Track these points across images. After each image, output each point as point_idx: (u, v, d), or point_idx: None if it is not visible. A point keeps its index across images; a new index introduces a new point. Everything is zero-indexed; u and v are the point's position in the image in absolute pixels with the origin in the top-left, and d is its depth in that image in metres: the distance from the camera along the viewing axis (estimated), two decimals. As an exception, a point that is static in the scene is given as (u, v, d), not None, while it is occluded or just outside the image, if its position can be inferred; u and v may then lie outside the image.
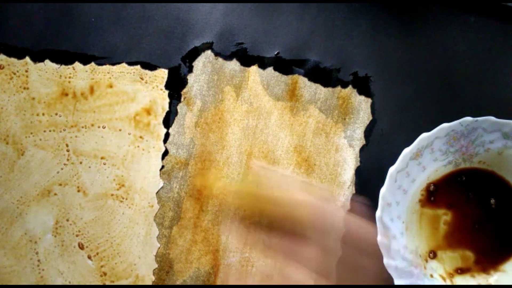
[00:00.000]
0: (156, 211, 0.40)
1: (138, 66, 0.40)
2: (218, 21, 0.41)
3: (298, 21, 0.41)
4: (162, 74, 0.41)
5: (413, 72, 0.41)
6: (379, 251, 0.37)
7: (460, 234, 0.40)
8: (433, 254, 0.39)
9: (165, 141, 0.40)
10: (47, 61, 0.40)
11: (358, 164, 0.40)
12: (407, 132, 0.38)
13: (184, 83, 0.41)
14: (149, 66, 0.41)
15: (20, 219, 0.39)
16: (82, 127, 0.40)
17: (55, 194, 0.40)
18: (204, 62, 0.41)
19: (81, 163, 0.40)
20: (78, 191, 0.40)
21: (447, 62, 0.41)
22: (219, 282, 0.40)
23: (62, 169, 0.40)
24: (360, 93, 0.41)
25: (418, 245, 0.39)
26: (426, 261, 0.39)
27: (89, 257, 0.40)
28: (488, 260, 0.39)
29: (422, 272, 0.38)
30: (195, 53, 0.41)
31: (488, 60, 0.41)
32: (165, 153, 0.40)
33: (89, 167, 0.40)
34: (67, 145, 0.40)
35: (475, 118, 0.37)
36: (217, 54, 0.41)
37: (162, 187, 0.40)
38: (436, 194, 0.39)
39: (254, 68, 0.41)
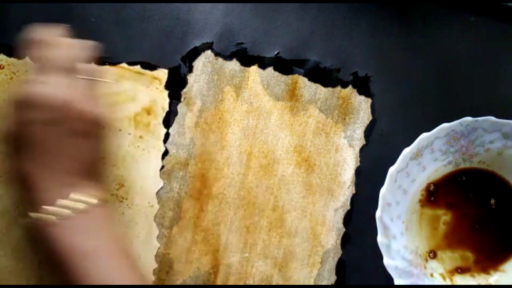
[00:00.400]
0: (156, 211, 0.40)
1: (138, 66, 0.40)
2: (218, 21, 0.41)
3: (298, 21, 0.41)
4: (162, 74, 0.41)
5: (413, 72, 0.41)
6: (379, 251, 0.37)
7: (460, 234, 0.40)
8: (433, 254, 0.39)
9: (165, 141, 0.40)
10: (47, 61, 0.40)
11: (358, 164, 0.40)
12: (407, 132, 0.38)
13: (184, 83, 0.41)
14: (149, 66, 0.41)
15: (20, 219, 0.39)
16: (82, 127, 0.40)
17: (55, 194, 0.40)
18: (204, 62, 0.41)
19: (81, 163, 0.40)
20: (78, 191, 0.40)
21: (447, 62, 0.41)
22: (219, 282, 0.40)
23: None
24: (360, 93, 0.41)
25: (418, 245, 0.39)
26: (426, 261, 0.39)
27: (89, 257, 0.40)
28: (488, 260, 0.39)
29: (422, 272, 0.38)
30: (195, 53, 0.41)
31: (488, 60, 0.41)
32: (165, 153, 0.40)
33: (89, 167, 0.40)
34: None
35: (475, 118, 0.37)
36: (217, 54, 0.41)
37: (162, 187, 0.40)
38: (436, 194, 0.39)
39: (254, 68, 0.41)
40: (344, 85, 0.41)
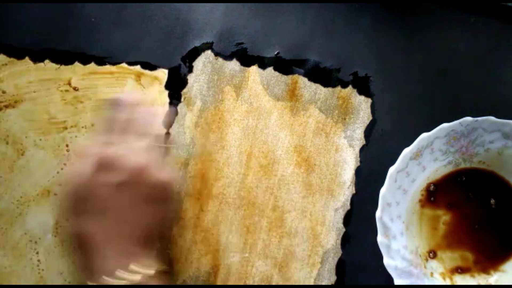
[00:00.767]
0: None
1: (138, 66, 0.40)
2: (218, 21, 0.41)
3: (298, 21, 0.41)
4: (162, 74, 0.41)
5: (413, 72, 0.41)
6: (379, 251, 0.37)
7: (460, 234, 0.40)
8: (433, 254, 0.39)
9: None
10: (47, 61, 0.40)
11: (358, 164, 0.40)
12: (407, 132, 0.38)
13: (184, 83, 0.41)
14: (149, 66, 0.41)
15: (20, 219, 0.39)
16: (82, 127, 0.40)
17: (55, 194, 0.40)
18: (204, 62, 0.41)
19: (81, 163, 0.40)
20: (78, 191, 0.40)
21: (447, 62, 0.41)
22: (219, 282, 0.40)
23: (62, 169, 0.40)
24: (360, 93, 0.41)
25: (418, 245, 0.39)
26: (426, 260, 0.39)
27: (89, 257, 0.40)
28: (488, 260, 0.39)
29: (422, 272, 0.38)
30: (195, 53, 0.41)
31: (488, 60, 0.41)
32: (165, 153, 0.40)
33: (89, 167, 0.40)
34: (67, 145, 0.40)
35: (475, 118, 0.37)
36: (217, 54, 0.41)
37: (162, 187, 0.40)
38: (436, 194, 0.39)
39: (254, 68, 0.41)
40: (344, 85, 0.41)
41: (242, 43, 0.41)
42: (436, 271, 0.39)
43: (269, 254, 0.40)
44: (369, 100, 0.41)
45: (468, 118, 0.37)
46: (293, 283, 0.40)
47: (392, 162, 0.37)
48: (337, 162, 0.40)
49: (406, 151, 0.37)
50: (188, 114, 0.41)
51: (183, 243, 0.40)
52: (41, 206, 0.40)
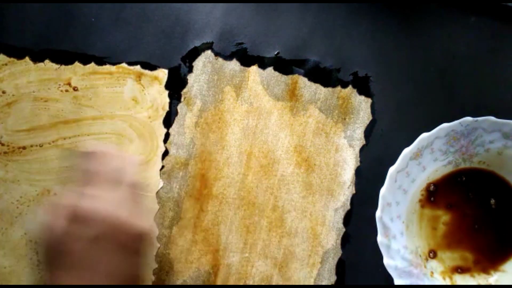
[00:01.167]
0: (156, 211, 0.40)
1: (138, 66, 0.40)
2: (218, 21, 0.41)
3: (298, 21, 0.41)
4: (162, 74, 0.41)
5: (413, 72, 0.41)
6: (379, 251, 0.37)
7: (460, 234, 0.40)
8: (433, 254, 0.39)
9: (165, 141, 0.40)
10: (47, 61, 0.40)
11: (358, 164, 0.40)
12: (407, 132, 0.38)
13: (184, 83, 0.41)
14: (149, 66, 0.41)
15: (20, 219, 0.39)
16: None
17: (55, 194, 0.40)
18: (204, 62, 0.41)
19: (81, 163, 0.40)
20: (78, 191, 0.40)
21: (447, 62, 0.41)
22: (219, 282, 0.40)
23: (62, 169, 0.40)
24: (360, 93, 0.41)
25: (418, 245, 0.39)
26: (426, 260, 0.39)
27: (89, 257, 0.40)
28: (488, 260, 0.39)
29: (422, 272, 0.38)
30: (195, 53, 0.41)
31: (488, 60, 0.41)
32: (165, 153, 0.40)
33: (89, 167, 0.40)
34: (67, 145, 0.40)
35: (475, 118, 0.37)
36: (217, 54, 0.41)
37: (162, 187, 0.40)
38: (436, 194, 0.39)
39: (254, 68, 0.41)
40: (344, 85, 0.41)
41: (242, 43, 0.41)
42: (436, 271, 0.39)
43: (269, 254, 0.40)
44: (369, 100, 0.41)
45: (468, 118, 0.37)
46: (293, 283, 0.40)
47: (392, 162, 0.37)
48: (337, 162, 0.40)
49: (406, 151, 0.37)
50: (188, 114, 0.41)
51: (183, 243, 0.40)
52: (41, 206, 0.40)
